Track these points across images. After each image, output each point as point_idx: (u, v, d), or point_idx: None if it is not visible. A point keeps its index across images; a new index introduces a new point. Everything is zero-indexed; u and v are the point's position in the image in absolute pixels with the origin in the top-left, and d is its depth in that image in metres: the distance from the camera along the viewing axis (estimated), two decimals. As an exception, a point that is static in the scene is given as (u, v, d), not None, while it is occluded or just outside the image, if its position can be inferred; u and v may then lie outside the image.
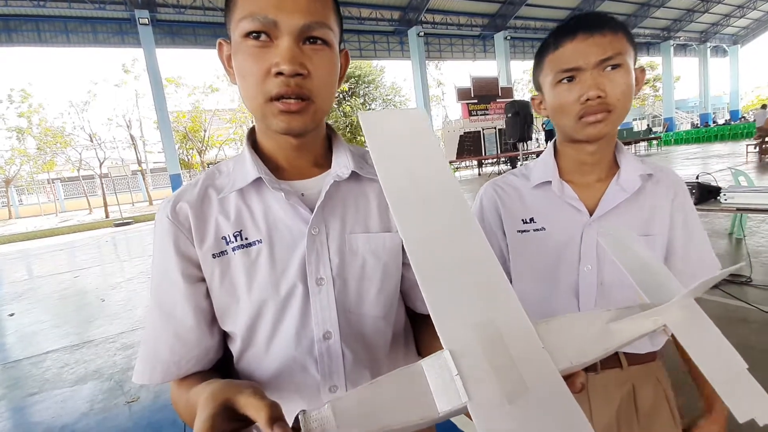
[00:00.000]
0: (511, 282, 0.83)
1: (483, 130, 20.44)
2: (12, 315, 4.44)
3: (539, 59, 0.70)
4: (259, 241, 0.53)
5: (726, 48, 29.72)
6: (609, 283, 0.71)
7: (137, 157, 20.24)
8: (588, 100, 0.64)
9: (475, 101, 20.62)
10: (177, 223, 0.54)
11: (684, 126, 29.98)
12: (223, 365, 0.59)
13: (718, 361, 0.36)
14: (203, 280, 0.54)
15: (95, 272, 6.38)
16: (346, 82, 25.45)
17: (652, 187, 0.71)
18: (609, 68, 0.64)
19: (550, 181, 0.74)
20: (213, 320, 0.55)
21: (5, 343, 3.69)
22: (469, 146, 20.15)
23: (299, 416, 0.30)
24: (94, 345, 3.34)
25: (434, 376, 0.30)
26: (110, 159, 21.29)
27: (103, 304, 4.53)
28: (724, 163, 10.00)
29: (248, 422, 0.34)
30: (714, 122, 26.67)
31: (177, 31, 14.89)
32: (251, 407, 0.34)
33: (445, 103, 32.94)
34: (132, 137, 19.70)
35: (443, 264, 0.32)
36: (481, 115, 20.77)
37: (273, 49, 0.48)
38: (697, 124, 27.66)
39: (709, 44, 27.82)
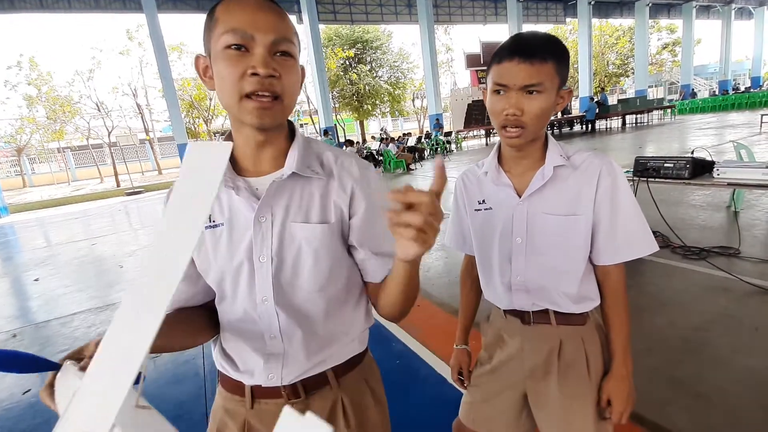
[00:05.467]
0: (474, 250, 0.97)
1: (492, 98, 19.93)
2: (37, 280, 4.74)
3: (491, 63, 0.82)
4: (222, 224, 0.70)
5: (752, 9, 28.09)
6: (535, 253, 0.87)
7: (144, 126, 20.26)
8: (507, 115, 0.78)
9: (485, 68, 20.02)
10: None
11: (702, 93, 28.93)
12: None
13: None
14: None
15: (111, 240, 6.66)
16: (353, 47, 24.76)
17: (579, 175, 0.84)
18: (531, 92, 0.76)
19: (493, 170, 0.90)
20: (197, 276, 0.73)
21: (34, 305, 3.98)
22: (477, 115, 19.66)
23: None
24: (117, 308, 3.59)
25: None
26: (118, 128, 21.40)
27: (122, 270, 4.80)
28: (738, 134, 9.81)
29: None
30: (735, 89, 25.62)
31: (179, -4, 14.56)
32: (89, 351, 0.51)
33: (454, 69, 32.07)
34: (138, 106, 19.67)
35: (144, 281, 0.35)
36: (490, 82, 20.21)
37: (249, 57, 0.60)
38: (716, 91, 26.67)
39: (734, 5, 26.28)
